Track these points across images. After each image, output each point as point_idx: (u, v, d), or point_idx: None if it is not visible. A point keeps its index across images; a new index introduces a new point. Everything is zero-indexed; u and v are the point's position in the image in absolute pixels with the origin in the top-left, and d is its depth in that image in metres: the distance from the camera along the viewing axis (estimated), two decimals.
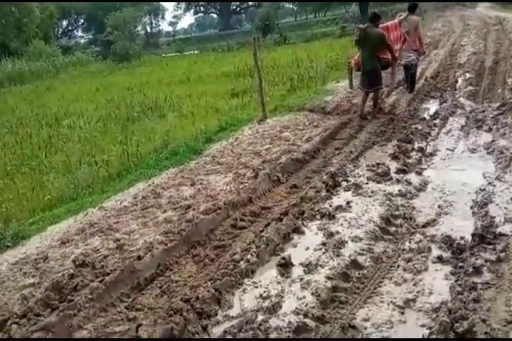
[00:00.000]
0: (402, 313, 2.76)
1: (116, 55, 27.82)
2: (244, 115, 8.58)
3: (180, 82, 14.71)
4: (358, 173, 5.11)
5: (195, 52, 33.53)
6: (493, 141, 5.61)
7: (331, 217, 4.08)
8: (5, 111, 12.79)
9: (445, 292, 2.90)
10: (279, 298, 3.00)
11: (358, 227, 3.84)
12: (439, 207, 4.12)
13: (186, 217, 4.36)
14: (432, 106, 7.77)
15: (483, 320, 2.51)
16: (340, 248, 3.53)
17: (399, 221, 3.93)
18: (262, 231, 3.96)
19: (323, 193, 4.60)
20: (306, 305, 2.87)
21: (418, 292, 2.94)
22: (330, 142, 6.46)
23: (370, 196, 4.47)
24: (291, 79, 11.66)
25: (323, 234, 3.79)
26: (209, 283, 3.24)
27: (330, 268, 3.25)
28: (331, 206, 4.30)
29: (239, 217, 4.27)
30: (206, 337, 2.75)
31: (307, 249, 3.63)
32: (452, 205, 4.12)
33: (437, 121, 6.79)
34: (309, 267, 3.32)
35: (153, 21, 58.63)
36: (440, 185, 4.60)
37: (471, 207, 4.01)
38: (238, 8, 61.14)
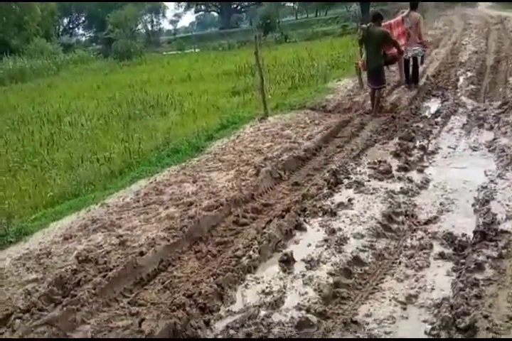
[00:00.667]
0: (404, 309, 2.77)
1: (117, 53, 27.78)
2: (246, 113, 8.60)
3: (181, 80, 14.71)
4: (360, 171, 5.12)
5: (196, 50, 33.51)
6: (494, 139, 5.62)
7: (333, 214, 4.09)
8: (6, 108, 12.79)
9: (447, 288, 2.91)
10: (282, 294, 3.01)
11: (360, 224, 3.86)
12: (440, 204, 4.14)
13: (188, 213, 4.37)
14: (434, 105, 7.78)
15: (485, 316, 2.53)
16: (342, 244, 3.54)
17: (401, 218, 3.94)
18: (263, 227, 3.97)
19: (325, 190, 4.61)
20: (308, 301, 2.89)
21: (420, 288, 2.95)
22: (331, 140, 6.48)
23: (371, 193, 4.48)
24: (293, 78, 11.67)
25: (325, 231, 3.81)
26: (211, 278, 3.25)
27: (332, 265, 3.26)
28: (332, 203, 4.32)
29: (241, 214, 4.28)
30: (209, 332, 2.77)
31: (309, 245, 3.64)
32: (454, 203, 4.14)
33: (439, 119, 6.80)
34: (311, 263, 3.33)
35: (154, 19, 58.59)
36: (442, 182, 4.61)
37: (473, 205, 4.02)
38: (239, 7, 61.06)
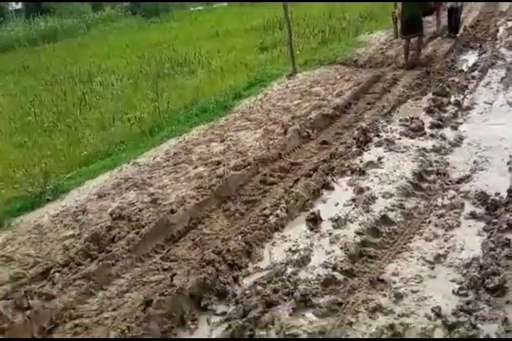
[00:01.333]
0: (432, 268, 2.77)
1: (145, 10, 27.32)
2: (274, 70, 8.42)
3: (209, 37, 14.40)
4: (391, 128, 5.00)
5: (224, 4, 32.52)
6: None
7: (362, 172, 4.04)
8: (40, 69, 12.92)
9: (477, 248, 2.88)
10: (308, 252, 3.06)
11: (389, 183, 3.80)
12: (474, 162, 4.02)
13: (217, 172, 4.42)
14: (471, 58, 7.41)
15: None
16: (370, 204, 3.52)
17: (432, 177, 3.86)
18: (291, 186, 3.98)
19: (354, 149, 4.54)
20: (334, 259, 2.92)
21: (449, 248, 2.93)
22: (362, 96, 6.31)
23: (402, 152, 4.39)
24: (323, 32, 11.25)
25: (353, 190, 3.78)
26: (239, 236, 3.32)
27: (359, 224, 3.26)
28: (361, 162, 4.25)
29: (268, 173, 4.29)
30: (237, 287, 2.86)
31: (336, 204, 3.64)
32: (488, 161, 4.01)
33: (476, 73, 6.49)
34: (338, 222, 3.34)
35: None
36: (476, 140, 4.47)
37: (508, 163, 3.89)
38: None
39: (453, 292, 2.53)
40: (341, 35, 10.91)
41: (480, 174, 3.82)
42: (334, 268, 2.82)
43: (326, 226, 3.36)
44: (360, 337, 2.31)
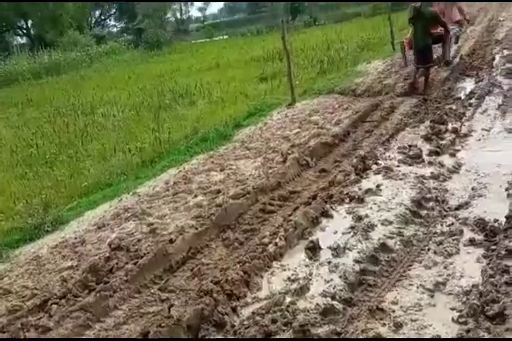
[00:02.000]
0: (432, 296, 2.73)
1: (147, 43, 28.07)
2: (273, 99, 8.56)
3: (210, 68, 14.75)
4: (389, 156, 5.03)
5: (225, 37, 33.41)
6: None
7: (360, 200, 4.05)
8: (43, 101, 13.17)
9: (476, 275, 2.85)
10: (307, 281, 3.03)
11: (388, 211, 3.80)
12: (472, 189, 4.03)
13: (216, 201, 4.43)
14: (468, 85, 7.53)
15: None
16: (369, 231, 3.51)
17: (431, 204, 3.86)
18: (290, 215, 3.98)
19: (353, 177, 4.56)
20: (333, 288, 2.89)
21: (448, 275, 2.90)
22: (360, 125, 6.37)
23: (401, 179, 4.40)
24: (321, 62, 11.50)
25: (352, 218, 3.78)
26: (238, 265, 3.30)
27: (358, 252, 3.24)
28: (360, 189, 4.27)
29: (267, 202, 4.30)
30: (235, 317, 2.82)
31: (335, 232, 3.63)
32: (486, 187, 4.02)
33: (473, 100, 6.58)
34: (337, 250, 3.32)
35: (183, 8, 58.49)
36: (474, 166, 4.49)
37: (506, 189, 3.89)
38: None
39: (453, 320, 2.49)
40: (339, 65, 11.15)
41: (478, 200, 3.82)
42: (333, 298, 2.79)
43: (325, 254, 3.34)
44: None
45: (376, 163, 4.84)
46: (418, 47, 7.61)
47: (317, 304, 2.76)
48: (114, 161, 6.43)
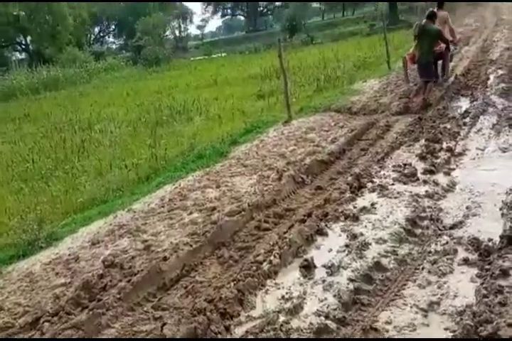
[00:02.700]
0: (426, 316, 2.72)
1: (146, 60, 28.39)
2: (270, 117, 8.63)
3: (207, 85, 14.89)
4: (384, 174, 5.06)
5: (223, 54, 33.82)
6: None
7: (355, 218, 4.05)
8: (40, 116, 13.25)
9: (470, 295, 2.84)
10: (301, 300, 3.01)
11: (383, 229, 3.81)
12: (467, 208, 4.04)
13: (211, 218, 4.43)
14: (463, 105, 7.60)
15: (509, 325, 2.45)
16: (363, 250, 3.50)
17: (425, 222, 3.87)
18: (285, 232, 3.98)
19: (348, 195, 4.58)
20: (327, 307, 2.87)
21: (442, 295, 2.90)
22: (356, 143, 6.42)
23: (395, 197, 4.42)
24: (318, 80, 11.63)
25: (347, 236, 3.78)
26: (232, 283, 3.28)
27: (352, 270, 3.24)
28: (355, 207, 4.28)
29: (263, 219, 4.30)
30: (229, 337, 2.80)
31: (330, 250, 3.63)
32: (481, 206, 4.03)
33: (467, 119, 6.64)
34: (332, 269, 3.31)
35: (182, 25, 59.40)
36: (469, 185, 4.50)
37: (501, 209, 3.90)
38: (265, 10, 61.25)
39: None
40: (336, 83, 11.28)
41: (473, 220, 3.83)
42: (327, 317, 2.78)
43: (319, 273, 3.33)
44: None
45: (371, 181, 4.87)
46: (421, 62, 8.14)
47: (311, 323, 2.75)
48: (109, 177, 6.44)
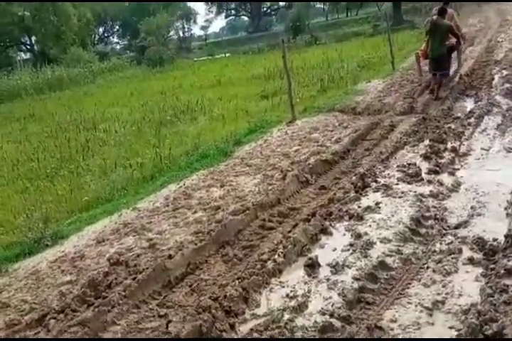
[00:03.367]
0: (430, 315, 2.73)
1: (149, 60, 28.44)
2: (274, 117, 8.64)
3: (211, 86, 14.90)
4: (388, 174, 5.06)
5: (227, 55, 33.83)
6: None
7: (359, 218, 4.06)
8: (45, 116, 13.30)
9: (475, 294, 2.85)
10: (306, 298, 3.03)
11: (387, 229, 3.81)
12: (471, 208, 4.04)
13: (216, 217, 4.45)
14: (467, 105, 7.59)
15: None
16: (368, 249, 3.51)
17: (430, 222, 3.88)
18: (289, 231, 3.99)
19: (352, 194, 4.58)
20: (332, 305, 2.89)
21: (447, 294, 2.90)
22: (360, 143, 6.42)
23: (400, 197, 4.42)
24: (322, 80, 11.63)
25: (351, 235, 3.79)
26: (237, 282, 3.29)
27: (357, 269, 3.25)
28: (359, 207, 4.29)
29: (267, 218, 4.32)
30: (233, 334, 2.81)
31: (334, 249, 3.64)
32: (485, 206, 4.03)
33: (472, 120, 6.63)
34: (336, 268, 3.33)
35: (186, 26, 59.42)
36: (473, 185, 4.50)
37: (506, 208, 3.91)
38: (269, 10, 61.28)
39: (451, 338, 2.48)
40: (340, 83, 11.28)
41: (478, 219, 3.83)
42: (332, 315, 2.79)
43: (323, 271, 3.35)
44: None
45: (375, 181, 4.87)
46: (434, 56, 8.36)
47: (315, 321, 2.76)
48: (114, 176, 6.46)
